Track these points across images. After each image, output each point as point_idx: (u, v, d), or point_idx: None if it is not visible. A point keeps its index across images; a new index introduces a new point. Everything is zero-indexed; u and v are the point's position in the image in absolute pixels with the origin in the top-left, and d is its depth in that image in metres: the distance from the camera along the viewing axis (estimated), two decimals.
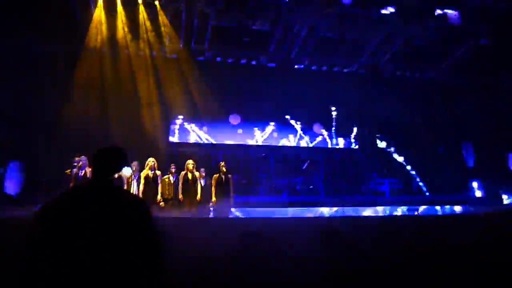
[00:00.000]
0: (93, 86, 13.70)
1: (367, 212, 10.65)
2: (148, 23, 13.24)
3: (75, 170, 8.61)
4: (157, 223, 0.86)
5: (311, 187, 12.19)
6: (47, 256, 0.76)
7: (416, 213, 11.38)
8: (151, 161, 9.02)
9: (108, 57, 14.05)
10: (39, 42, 13.40)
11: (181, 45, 14.12)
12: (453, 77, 17.09)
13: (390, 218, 8.02)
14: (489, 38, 14.28)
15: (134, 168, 9.21)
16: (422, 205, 11.99)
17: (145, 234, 0.78)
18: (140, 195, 8.51)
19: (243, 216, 8.87)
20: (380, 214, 10.57)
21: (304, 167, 12.50)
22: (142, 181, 8.66)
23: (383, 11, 13.23)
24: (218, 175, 9.19)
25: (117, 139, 13.30)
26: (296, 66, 15.60)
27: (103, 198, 0.85)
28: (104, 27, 12.95)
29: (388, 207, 11.40)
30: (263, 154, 12.96)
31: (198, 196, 8.84)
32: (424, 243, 4.16)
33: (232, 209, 9.22)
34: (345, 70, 16.29)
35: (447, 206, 11.05)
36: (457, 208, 11.52)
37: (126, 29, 12.99)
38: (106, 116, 13.67)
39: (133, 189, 8.67)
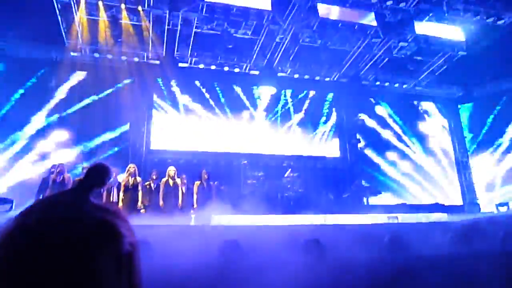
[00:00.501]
0: (74, 90, 13.56)
1: (348, 220, 10.74)
2: (130, 28, 13.15)
3: (52, 176, 8.46)
4: (132, 243, 0.83)
5: (293, 194, 12.21)
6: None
7: (396, 220, 11.54)
8: (131, 167, 8.95)
9: (90, 61, 13.92)
10: (21, 46, 13.23)
11: (163, 51, 14.05)
12: (430, 88, 17.54)
13: (371, 226, 8.11)
14: (466, 49, 14.70)
15: (113, 174, 9.09)
16: (403, 211, 12.14)
17: (110, 257, 0.76)
18: (120, 201, 8.40)
19: (224, 224, 8.84)
20: (361, 222, 10.68)
21: (286, 175, 12.52)
22: (122, 187, 8.56)
23: (364, 21, 13.48)
24: (199, 182, 9.18)
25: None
26: (278, 74, 15.70)
27: (73, 214, 0.83)
28: (86, 31, 12.80)
29: (369, 215, 11.52)
30: (244, 161, 12.94)
31: (179, 203, 8.79)
32: (402, 250, 4.22)
33: (213, 216, 9.18)
34: (326, 79, 16.47)
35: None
36: (436, 216, 11.73)
37: (108, 33, 12.86)
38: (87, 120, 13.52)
39: (113, 195, 8.55)
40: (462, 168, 17.67)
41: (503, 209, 13.41)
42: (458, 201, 16.92)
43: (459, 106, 18.60)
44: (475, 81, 17.71)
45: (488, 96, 17.76)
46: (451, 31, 14.28)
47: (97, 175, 0.89)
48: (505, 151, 16.92)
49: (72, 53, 13.66)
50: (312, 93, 16.74)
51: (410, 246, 4.27)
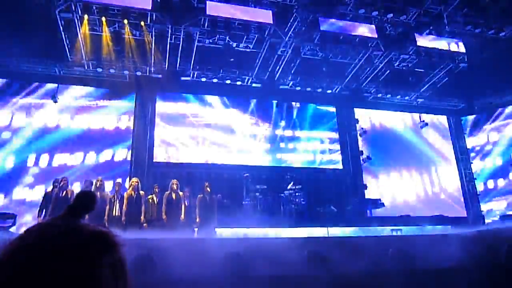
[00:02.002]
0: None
1: (351, 232, 10.69)
2: (133, 42, 13.30)
3: (55, 190, 8.47)
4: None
5: (295, 207, 12.17)
6: None
7: (398, 232, 11.48)
8: (134, 181, 8.96)
9: (93, 76, 14.08)
10: (24, 62, 13.40)
11: (166, 65, 14.19)
12: (432, 100, 17.60)
13: (374, 238, 8.06)
14: (467, 62, 14.77)
15: (117, 188, 9.12)
16: (406, 224, 12.08)
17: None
18: (123, 215, 8.39)
19: (227, 237, 8.80)
20: (364, 234, 10.62)
21: (288, 187, 12.49)
22: (125, 201, 8.56)
23: (365, 34, 13.62)
24: (202, 195, 9.17)
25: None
26: (280, 87, 15.79)
27: (69, 229, 0.85)
28: (89, 47, 12.96)
29: (371, 227, 11.46)
30: (246, 174, 12.93)
31: (182, 216, 8.77)
32: (406, 262, 4.19)
33: (216, 230, 9.15)
34: (328, 91, 16.55)
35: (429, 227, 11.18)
36: (439, 228, 11.66)
37: (111, 48, 13.01)
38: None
39: (116, 210, 8.55)
40: (466, 179, 17.59)
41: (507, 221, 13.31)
42: (462, 213, 16.80)
43: (461, 118, 18.58)
44: (476, 93, 17.76)
45: (490, 108, 17.80)
46: (452, 44, 14.39)
47: (86, 202, 0.92)
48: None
49: (75, 68, 13.81)
50: (314, 106, 16.79)
51: (414, 259, 4.25)
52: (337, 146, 16.68)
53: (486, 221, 15.74)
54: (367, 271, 3.69)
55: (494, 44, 14.55)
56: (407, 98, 17.40)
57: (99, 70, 13.85)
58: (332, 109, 17.07)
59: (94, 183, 8.78)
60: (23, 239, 0.84)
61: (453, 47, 14.41)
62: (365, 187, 16.02)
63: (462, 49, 14.50)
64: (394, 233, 11.41)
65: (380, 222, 12.28)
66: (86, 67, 13.86)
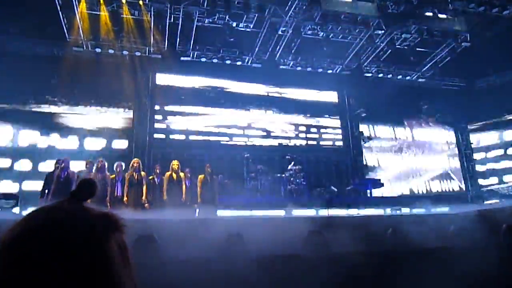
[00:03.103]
0: (76, 83, 13.53)
1: (350, 211, 10.79)
2: (132, 22, 13.14)
3: (57, 171, 8.49)
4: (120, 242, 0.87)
5: (295, 187, 12.26)
6: None
7: (399, 212, 11.59)
8: (135, 162, 8.97)
9: (91, 55, 13.91)
10: (23, 41, 13.25)
11: (165, 45, 14.05)
12: (433, 79, 17.47)
13: (373, 218, 8.14)
14: (470, 41, 14.59)
15: (118, 169, 9.14)
16: (406, 203, 12.19)
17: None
18: (125, 196, 8.44)
19: (228, 217, 8.90)
20: (363, 213, 10.73)
21: (289, 168, 12.54)
22: (127, 182, 8.59)
23: (366, 13, 13.42)
24: (203, 176, 9.21)
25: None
26: (281, 67, 15.67)
27: (75, 212, 0.86)
28: (87, 26, 12.80)
29: (372, 207, 11.56)
30: (247, 154, 12.97)
31: (183, 197, 8.82)
32: (404, 242, 4.24)
33: (217, 210, 9.23)
34: (329, 71, 16.43)
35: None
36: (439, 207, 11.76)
37: (109, 28, 12.86)
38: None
39: (117, 191, 8.60)
40: (466, 159, 17.62)
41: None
42: (462, 192, 16.92)
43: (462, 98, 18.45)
44: (478, 73, 17.58)
45: (491, 88, 17.67)
46: (454, 22, 14.18)
47: (89, 189, 0.94)
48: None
49: (74, 49, 13.66)
50: (314, 85, 16.68)
51: (413, 238, 4.29)
52: (337, 126, 16.66)
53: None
54: (366, 251, 3.74)
55: (497, 22, 14.34)
56: (408, 78, 17.27)
57: (98, 50, 13.71)
58: (333, 89, 16.94)
59: (95, 165, 8.81)
60: (29, 221, 0.85)
61: (456, 26, 14.20)
62: (365, 167, 16.07)
63: (465, 28, 14.29)
64: (394, 213, 11.54)
65: (380, 202, 12.41)
66: (84, 48, 13.72)
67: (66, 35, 13.12)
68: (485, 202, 14.22)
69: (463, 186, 17.18)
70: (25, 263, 0.73)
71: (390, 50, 15.28)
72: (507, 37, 14.08)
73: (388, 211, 11.80)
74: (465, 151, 17.76)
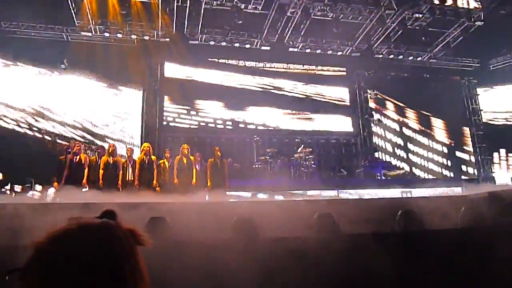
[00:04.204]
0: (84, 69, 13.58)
1: (360, 194, 10.78)
2: (139, 6, 13.08)
3: (69, 156, 8.59)
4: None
5: (306, 170, 12.27)
6: None
7: (410, 194, 11.54)
8: (145, 146, 9.04)
9: (100, 39, 13.91)
10: (31, 26, 13.30)
11: (173, 28, 13.97)
12: (445, 60, 17.16)
13: (384, 200, 8.13)
14: (482, 20, 14.23)
15: (128, 153, 9.23)
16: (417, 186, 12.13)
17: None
18: (136, 180, 8.53)
19: (238, 200, 8.95)
20: (372, 196, 10.70)
21: (299, 151, 12.54)
22: (137, 166, 8.67)
23: None
24: (213, 159, 9.24)
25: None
26: (290, 49, 15.51)
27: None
28: (95, 11, 12.77)
29: (381, 190, 11.53)
30: (256, 137, 12.97)
31: (194, 180, 8.88)
32: (413, 224, 4.25)
33: (227, 193, 9.29)
34: (339, 53, 16.21)
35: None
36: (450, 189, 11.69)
37: (118, 12, 12.81)
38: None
39: (129, 174, 8.69)
40: (478, 141, 17.40)
41: None
42: (473, 174, 16.78)
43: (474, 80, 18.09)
44: (492, 52, 17.17)
45: (505, 69, 17.29)
46: (468, 0, 13.85)
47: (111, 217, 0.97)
48: None
49: (82, 33, 13.67)
50: (324, 68, 16.51)
51: (423, 220, 4.28)
52: (347, 108, 16.53)
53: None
54: (374, 233, 3.74)
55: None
56: (419, 59, 16.97)
57: (107, 34, 13.70)
58: (342, 70, 16.76)
59: (107, 149, 8.90)
60: (62, 241, 0.89)
61: (470, 4, 13.86)
62: (375, 149, 15.97)
63: (479, 5, 13.94)
64: (404, 195, 11.49)
65: (390, 184, 12.36)
66: (93, 32, 13.71)
67: (75, 19, 13.11)
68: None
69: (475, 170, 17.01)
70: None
71: (401, 31, 15.00)
72: None
73: (399, 193, 11.76)
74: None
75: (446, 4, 13.78)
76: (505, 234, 3.73)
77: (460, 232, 3.87)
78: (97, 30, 13.64)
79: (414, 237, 3.57)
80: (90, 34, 13.73)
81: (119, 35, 13.68)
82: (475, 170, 16.90)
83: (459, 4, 13.86)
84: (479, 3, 14.01)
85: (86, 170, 8.33)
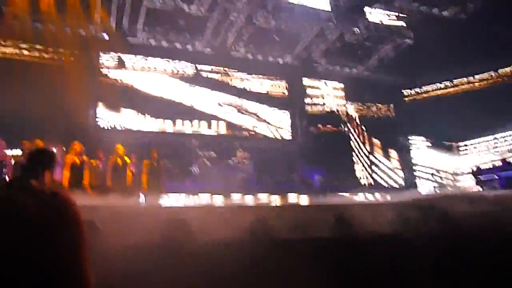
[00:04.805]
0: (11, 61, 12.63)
1: (294, 200, 11.05)
2: None
3: None
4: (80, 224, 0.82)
5: (242, 174, 12.34)
6: None
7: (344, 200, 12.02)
8: (77, 145, 8.56)
9: (30, 30, 12.99)
10: None
11: (112, 25, 13.43)
12: (378, 74, 18.21)
13: (319, 206, 8.40)
14: (412, 39, 15.33)
15: (58, 153, 8.70)
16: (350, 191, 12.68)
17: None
18: (65, 182, 8.06)
19: (173, 204, 8.80)
20: (309, 202, 11.02)
21: (236, 155, 12.60)
22: (67, 167, 8.19)
23: (318, 6, 13.67)
24: (149, 161, 8.99)
25: (38, 120, 12.46)
26: (231, 54, 15.56)
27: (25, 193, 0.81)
28: None
29: (314, 196, 11.90)
30: (195, 141, 12.86)
31: (128, 182, 8.58)
32: (346, 229, 4.42)
33: (162, 196, 9.08)
34: (280, 61, 16.55)
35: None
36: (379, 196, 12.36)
37: (50, 1, 12.06)
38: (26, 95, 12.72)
39: (56, 175, 8.19)
40: (404, 150, 18.52)
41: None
42: (400, 182, 17.84)
43: (403, 93, 19.33)
44: (420, 70, 18.50)
45: (431, 85, 18.72)
46: (400, 20, 14.84)
47: (41, 160, 0.87)
48: None
49: (10, 22, 12.69)
50: (264, 75, 16.73)
51: (356, 226, 4.47)
52: (285, 115, 16.86)
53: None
54: (311, 238, 3.85)
55: (439, 23, 15.14)
56: (355, 71, 17.83)
57: (38, 25, 12.83)
58: (282, 78, 17.10)
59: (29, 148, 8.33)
60: None
61: (401, 24, 14.88)
62: (310, 156, 16.43)
63: (409, 26, 15.02)
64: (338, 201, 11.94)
65: (324, 190, 12.79)
66: (23, 22, 12.77)
67: (2, 7, 12.16)
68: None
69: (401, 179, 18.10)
70: None
71: (339, 43, 15.69)
72: (446, 37, 14.89)
73: (333, 199, 12.21)
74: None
75: (380, 22, 14.64)
76: (428, 239, 4.01)
77: (389, 237, 4.10)
78: (27, 20, 12.71)
79: (346, 242, 3.73)
80: (19, 23, 12.77)
81: (52, 27, 12.86)
82: (402, 179, 18.00)
83: (392, 23, 14.78)
84: (410, 23, 15.04)
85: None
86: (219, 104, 15.69)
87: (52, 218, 0.79)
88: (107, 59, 14.25)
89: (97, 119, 13.68)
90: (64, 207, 0.89)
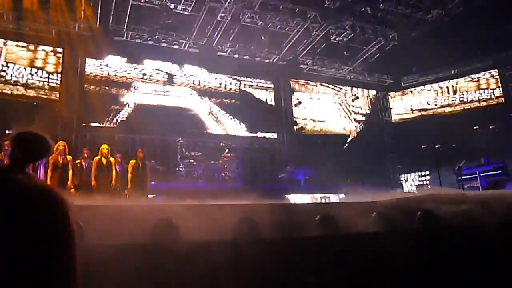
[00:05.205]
0: None
1: (280, 199, 11.08)
2: None
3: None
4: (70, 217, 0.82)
5: (229, 174, 12.35)
6: None
7: (326, 200, 12.12)
8: (60, 144, 8.42)
9: (12, 26, 12.75)
10: None
11: (97, 22, 13.26)
12: (363, 74, 18.42)
13: (301, 205, 8.45)
14: (396, 40, 15.56)
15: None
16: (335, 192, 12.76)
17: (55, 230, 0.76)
18: (48, 181, 7.94)
19: (159, 204, 8.74)
20: (295, 201, 11.07)
21: (223, 155, 12.60)
22: (50, 166, 8.06)
23: (304, 6, 13.74)
24: (134, 161, 8.92)
25: (21, 119, 12.24)
26: (218, 53, 15.53)
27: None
28: None
29: (300, 195, 11.98)
30: (180, 140, 12.80)
31: (113, 182, 8.50)
32: (331, 228, 4.47)
33: (148, 196, 9.03)
34: (266, 61, 16.59)
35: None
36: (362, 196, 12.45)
37: None
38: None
39: (40, 175, 8.07)
40: (389, 151, 18.76)
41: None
42: (383, 182, 18.03)
43: (389, 94, 19.56)
44: (404, 70, 18.81)
45: (416, 86, 18.99)
46: (385, 21, 15.01)
47: (35, 147, 0.85)
48: None
49: None
50: (251, 74, 16.75)
51: (341, 225, 4.51)
52: (272, 115, 16.90)
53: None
54: (295, 238, 3.88)
55: (423, 25, 15.39)
56: (341, 71, 17.99)
57: (21, 22, 12.61)
58: (268, 77, 17.15)
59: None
60: None
61: (386, 25, 15.06)
62: (298, 156, 16.51)
63: (394, 27, 15.22)
64: (323, 201, 12.05)
65: (310, 190, 12.88)
66: (5, 19, 12.54)
67: None
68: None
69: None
70: None
71: (324, 44, 15.79)
72: (430, 39, 15.13)
73: (318, 199, 12.31)
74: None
75: (365, 23, 14.78)
76: (411, 238, 4.08)
77: (373, 236, 4.15)
78: (10, 17, 12.49)
79: (331, 241, 3.77)
80: (1, 20, 12.53)
81: (35, 25, 12.66)
82: (387, 178, 18.20)
83: (377, 24, 14.95)
84: (394, 24, 15.24)
85: None
86: (205, 104, 15.65)
87: (41, 212, 0.81)
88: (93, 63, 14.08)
89: (83, 117, 13.50)
90: (54, 201, 0.90)
